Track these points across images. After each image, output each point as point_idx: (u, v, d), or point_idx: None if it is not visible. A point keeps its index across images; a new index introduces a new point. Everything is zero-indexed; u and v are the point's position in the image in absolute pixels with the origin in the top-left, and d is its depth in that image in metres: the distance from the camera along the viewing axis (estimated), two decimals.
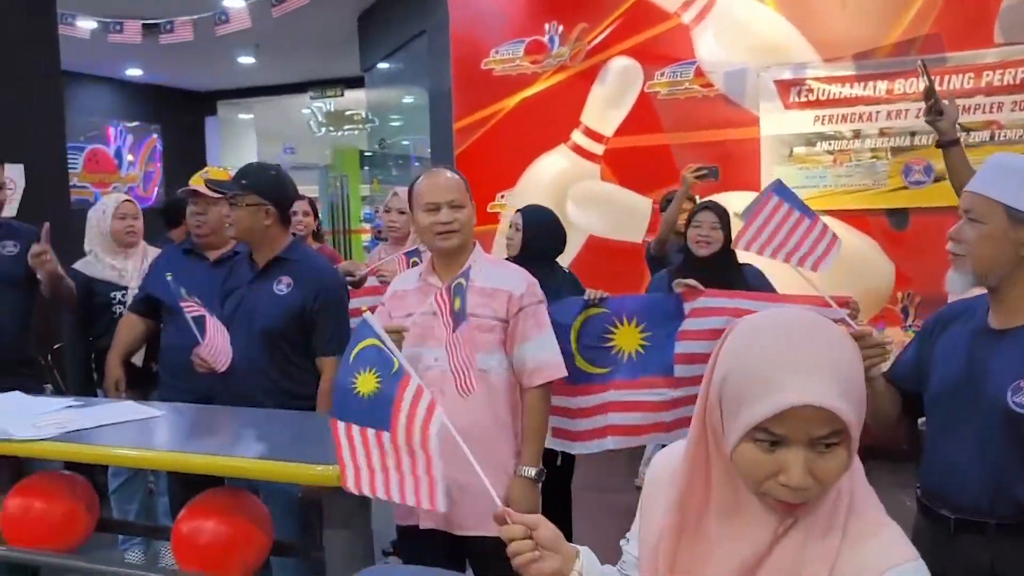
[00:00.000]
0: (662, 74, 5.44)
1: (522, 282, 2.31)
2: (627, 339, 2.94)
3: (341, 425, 1.33)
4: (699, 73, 5.35)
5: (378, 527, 2.14)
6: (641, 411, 2.89)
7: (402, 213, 3.55)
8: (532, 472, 2.23)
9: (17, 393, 2.50)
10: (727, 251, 3.28)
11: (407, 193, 2.41)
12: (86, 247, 3.67)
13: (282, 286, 2.59)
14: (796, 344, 0.94)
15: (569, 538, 1.17)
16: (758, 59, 5.19)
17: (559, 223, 3.28)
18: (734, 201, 5.19)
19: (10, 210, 4.98)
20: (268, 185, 2.61)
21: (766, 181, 5.10)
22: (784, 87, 5.12)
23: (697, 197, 4.10)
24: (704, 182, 4.17)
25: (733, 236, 3.12)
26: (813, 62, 5.07)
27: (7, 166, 4.94)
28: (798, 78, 5.09)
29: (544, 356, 2.28)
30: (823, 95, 5.04)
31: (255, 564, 2.00)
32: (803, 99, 5.09)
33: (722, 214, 3.32)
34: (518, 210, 3.40)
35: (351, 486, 1.36)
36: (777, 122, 5.14)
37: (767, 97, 5.16)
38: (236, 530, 1.90)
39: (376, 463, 1.34)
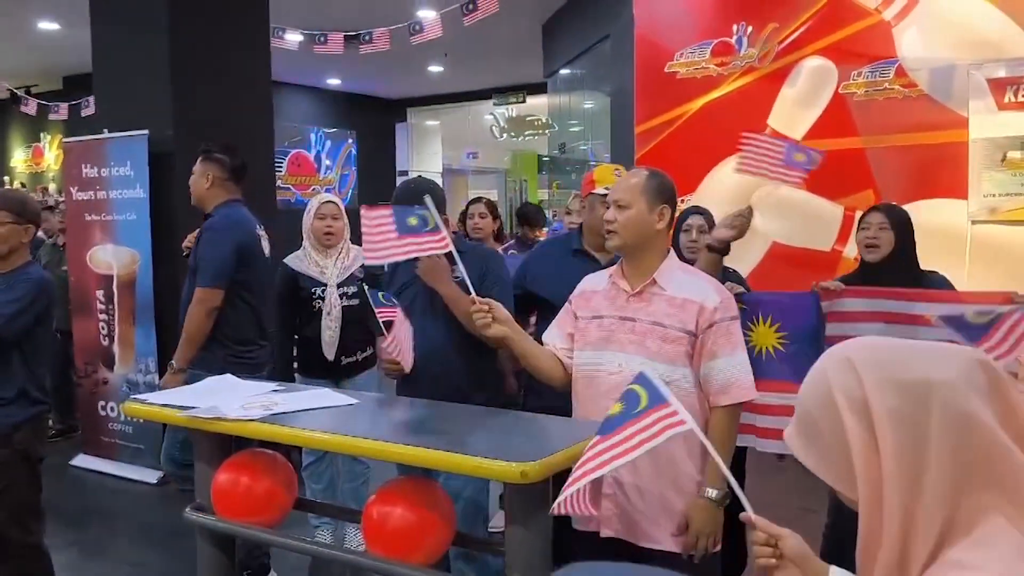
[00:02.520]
0: (859, 74, 5.16)
1: (715, 294, 2.20)
2: (764, 338, 2.89)
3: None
4: (900, 72, 5.02)
5: None
6: (772, 415, 2.81)
7: None
8: (715, 493, 2.14)
9: (228, 376, 2.74)
10: (904, 256, 2.97)
11: None
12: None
13: (455, 273, 2.70)
14: None
15: (743, 554, 1.18)
16: (968, 56, 4.81)
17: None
18: (939, 209, 4.86)
19: None
20: None
21: (974, 188, 4.72)
22: (998, 86, 4.71)
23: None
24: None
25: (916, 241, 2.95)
26: None
27: None
28: (1014, 76, 4.66)
29: (734, 375, 2.16)
30: None
31: (437, 553, 2.08)
32: (1020, 99, 4.66)
33: (892, 213, 3.03)
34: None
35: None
36: (989, 124, 4.73)
37: (978, 97, 4.76)
38: (423, 518, 1.98)
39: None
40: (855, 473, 0.93)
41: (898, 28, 5.04)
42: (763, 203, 5.46)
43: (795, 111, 5.40)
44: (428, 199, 2.38)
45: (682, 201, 5.72)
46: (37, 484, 2.98)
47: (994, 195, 4.66)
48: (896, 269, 2.92)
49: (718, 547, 2.20)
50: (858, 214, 4.09)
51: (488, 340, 2.34)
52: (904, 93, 5.03)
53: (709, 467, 2.15)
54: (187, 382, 3.13)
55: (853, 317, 2.73)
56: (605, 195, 2.59)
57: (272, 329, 3.70)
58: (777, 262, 5.27)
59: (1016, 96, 4.66)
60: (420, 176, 3.05)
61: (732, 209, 2.80)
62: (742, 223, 2.74)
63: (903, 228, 2.99)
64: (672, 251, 2.32)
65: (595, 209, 2.76)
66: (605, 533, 2.21)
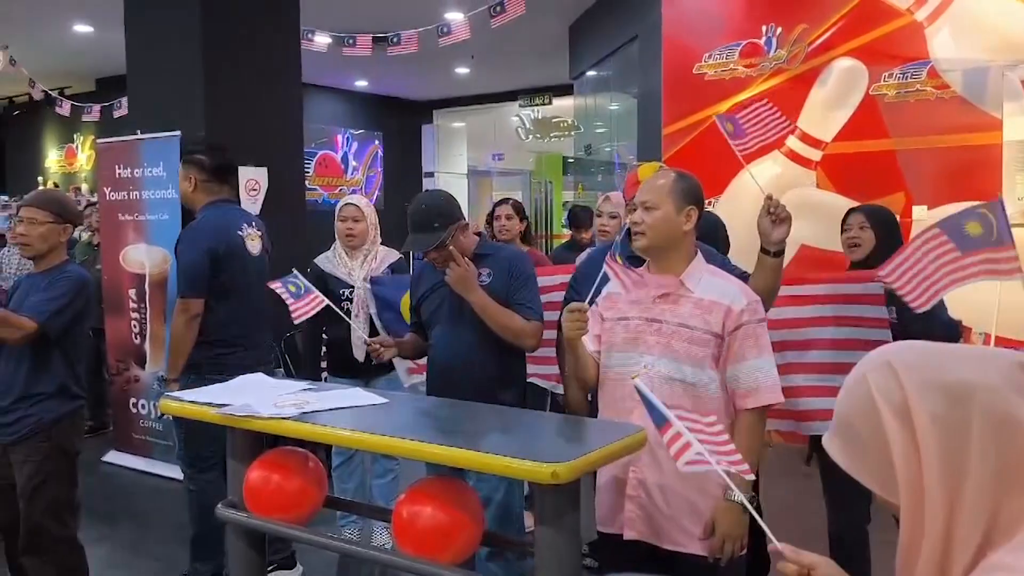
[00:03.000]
0: (890, 75, 5.11)
1: (742, 297, 2.19)
2: None
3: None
4: (933, 74, 4.97)
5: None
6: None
7: (613, 217, 3.56)
8: (741, 497, 2.14)
9: (260, 375, 2.76)
10: (887, 253, 2.96)
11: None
12: None
13: (483, 277, 2.77)
14: None
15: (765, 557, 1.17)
16: (1002, 57, 4.75)
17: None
18: None
19: (253, 209, 5.52)
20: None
21: (1009, 190, 4.66)
22: None
23: None
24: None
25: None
26: None
27: (253, 168, 5.49)
28: None
29: (760, 379, 2.15)
30: None
31: (466, 553, 2.08)
32: None
33: (872, 214, 3.09)
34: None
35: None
36: (1023, 126, 4.68)
37: (1012, 98, 4.70)
38: (452, 518, 1.99)
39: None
40: (896, 477, 0.92)
41: (930, 29, 4.99)
42: (791, 206, 5.42)
43: (825, 113, 5.36)
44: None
45: (710, 204, 5.70)
46: (73, 478, 3.03)
47: None
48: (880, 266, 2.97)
49: (744, 551, 2.19)
50: None
51: (568, 344, 2.31)
52: (936, 95, 4.98)
53: None
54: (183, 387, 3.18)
55: (802, 301, 2.81)
56: None
57: (292, 332, 3.74)
58: (806, 265, 5.23)
59: None
60: (427, 191, 3.15)
61: (759, 211, 2.74)
62: (781, 210, 2.56)
63: (884, 227, 3.07)
64: (700, 253, 2.31)
65: None
66: (629, 535, 2.20)
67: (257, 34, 5.63)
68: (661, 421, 1.51)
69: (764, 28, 5.55)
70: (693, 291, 2.20)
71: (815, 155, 5.37)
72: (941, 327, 2.90)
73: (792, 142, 5.44)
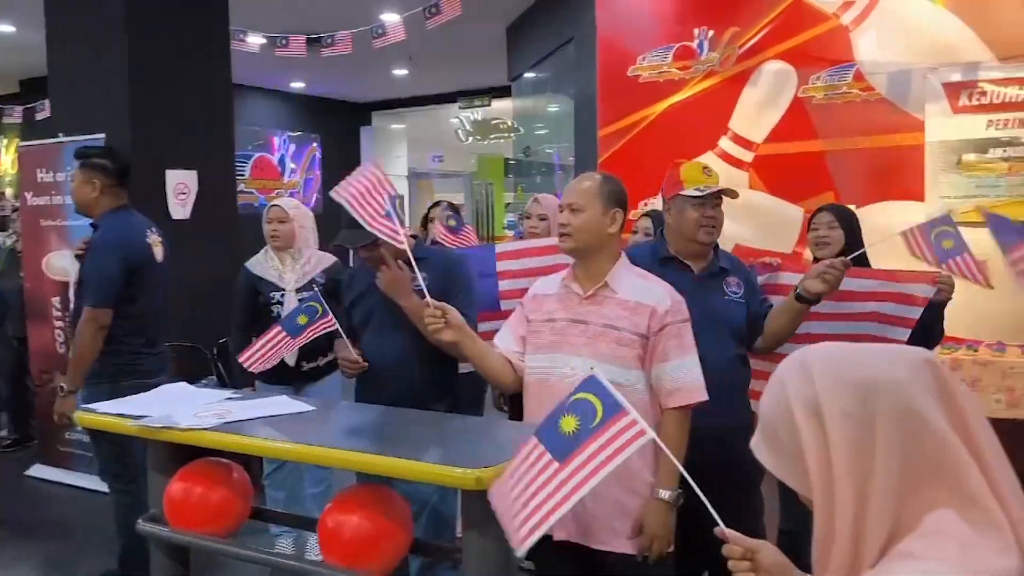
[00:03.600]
0: (818, 78, 5.22)
1: (667, 298, 2.22)
2: None
3: (531, 442, 1.55)
4: (859, 76, 5.09)
5: None
6: None
7: (542, 219, 3.54)
8: (668, 495, 2.16)
9: (183, 383, 2.69)
10: (853, 252, 3.01)
11: None
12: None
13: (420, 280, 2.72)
14: None
15: None
16: (924, 60, 4.89)
17: None
18: (895, 211, 4.92)
19: (183, 213, 5.39)
20: None
21: (931, 190, 4.80)
22: (953, 89, 4.79)
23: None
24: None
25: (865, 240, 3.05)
26: (986, 62, 4.72)
27: (181, 171, 5.36)
28: (969, 80, 4.75)
29: (684, 378, 2.18)
30: (997, 98, 4.68)
31: (394, 561, 2.05)
32: (975, 102, 4.74)
33: (840, 213, 3.16)
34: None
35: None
36: (944, 127, 4.82)
37: (933, 100, 4.85)
38: (379, 526, 1.95)
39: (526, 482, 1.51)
40: (810, 474, 0.94)
41: (856, 32, 5.11)
42: (725, 205, 5.50)
43: (756, 114, 5.45)
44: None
45: (646, 204, 5.75)
46: None
47: (950, 197, 4.73)
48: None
49: (671, 548, 2.22)
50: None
51: (441, 345, 2.34)
52: (862, 96, 5.10)
53: (661, 468, 2.18)
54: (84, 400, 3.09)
55: (786, 290, 2.80)
56: (697, 196, 2.54)
57: (227, 338, 3.65)
58: None
59: (970, 100, 4.75)
60: None
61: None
62: (835, 276, 2.56)
63: (851, 226, 3.12)
64: (624, 255, 2.33)
65: (684, 212, 2.56)
66: (559, 537, 2.20)
67: (185, 33, 5.50)
68: (618, 408, 1.49)
69: (696, 31, 5.62)
70: (618, 292, 2.22)
71: (747, 156, 5.46)
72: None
73: (725, 143, 5.53)
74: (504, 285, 3.29)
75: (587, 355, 2.19)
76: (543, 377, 2.26)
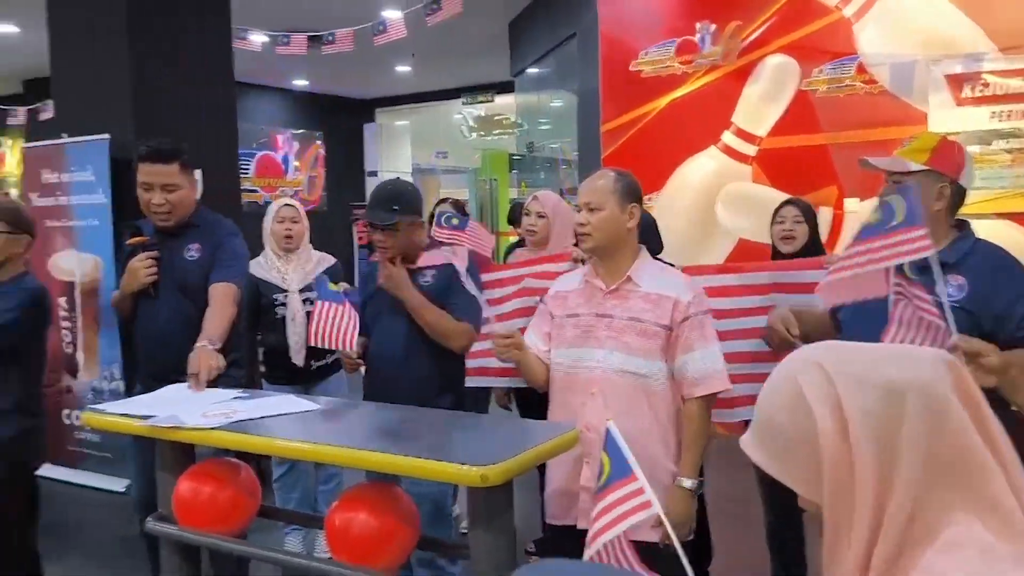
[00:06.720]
0: (820, 71, 5.22)
1: (688, 289, 2.26)
2: None
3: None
4: (861, 69, 5.09)
5: (520, 525, 2.16)
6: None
7: (541, 216, 3.52)
8: (690, 483, 2.22)
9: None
10: (815, 246, 3.15)
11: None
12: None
13: (427, 277, 2.81)
14: None
15: (708, 546, 1.16)
16: (927, 52, 4.88)
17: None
18: None
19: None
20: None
21: None
22: (956, 81, 4.79)
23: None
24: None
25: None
26: (989, 54, 4.71)
27: None
28: (972, 71, 4.75)
29: (707, 368, 2.23)
30: (1000, 89, 4.67)
31: (401, 558, 2.07)
32: (977, 94, 4.74)
33: (805, 209, 3.21)
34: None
35: None
36: (947, 119, 4.81)
37: (936, 92, 4.84)
38: (385, 523, 1.97)
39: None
40: (821, 475, 0.92)
41: (858, 25, 5.11)
42: (729, 200, 5.51)
43: (759, 108, 5.45)
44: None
45: (648, 199, 5.76)
46: (33, 497, 2.95)
47: None
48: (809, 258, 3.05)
49: (691, 536, 2.29)
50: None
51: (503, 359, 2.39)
52: (865, 89, 5.10)
53: (684, 458, 2.24)
54: None
55: (728, 292, 2.80)
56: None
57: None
58: (744, 258, 5.31)
59: (973, 91, 4.74)
60: (398, 179, 2.95)
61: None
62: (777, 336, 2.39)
63: (814, 221, 3.19)
64: (644, 248, 2.35)
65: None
66: (582, 525, 2.22)
67: (187, 32, 5.50)
68: (626, 472, 1.49)
69: (698, 25, 5.62)
70: (641, 286, 2.27)
71: (750, 150, 5.46)
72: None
73: (728, 137, 5.52)
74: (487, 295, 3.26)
75: (611, 347, 2.24)
76: (568, 372, 2.32)
